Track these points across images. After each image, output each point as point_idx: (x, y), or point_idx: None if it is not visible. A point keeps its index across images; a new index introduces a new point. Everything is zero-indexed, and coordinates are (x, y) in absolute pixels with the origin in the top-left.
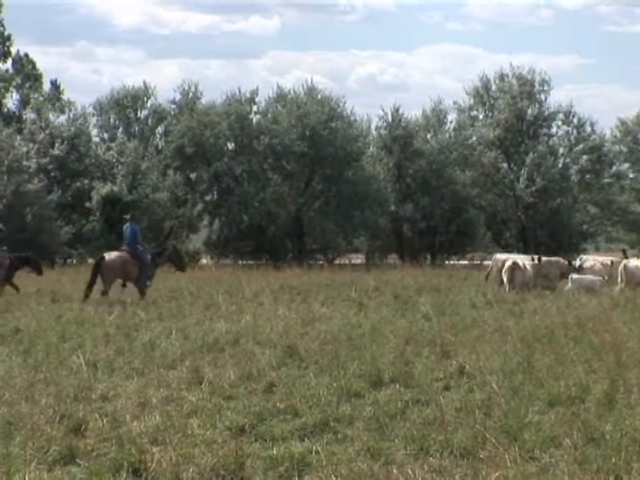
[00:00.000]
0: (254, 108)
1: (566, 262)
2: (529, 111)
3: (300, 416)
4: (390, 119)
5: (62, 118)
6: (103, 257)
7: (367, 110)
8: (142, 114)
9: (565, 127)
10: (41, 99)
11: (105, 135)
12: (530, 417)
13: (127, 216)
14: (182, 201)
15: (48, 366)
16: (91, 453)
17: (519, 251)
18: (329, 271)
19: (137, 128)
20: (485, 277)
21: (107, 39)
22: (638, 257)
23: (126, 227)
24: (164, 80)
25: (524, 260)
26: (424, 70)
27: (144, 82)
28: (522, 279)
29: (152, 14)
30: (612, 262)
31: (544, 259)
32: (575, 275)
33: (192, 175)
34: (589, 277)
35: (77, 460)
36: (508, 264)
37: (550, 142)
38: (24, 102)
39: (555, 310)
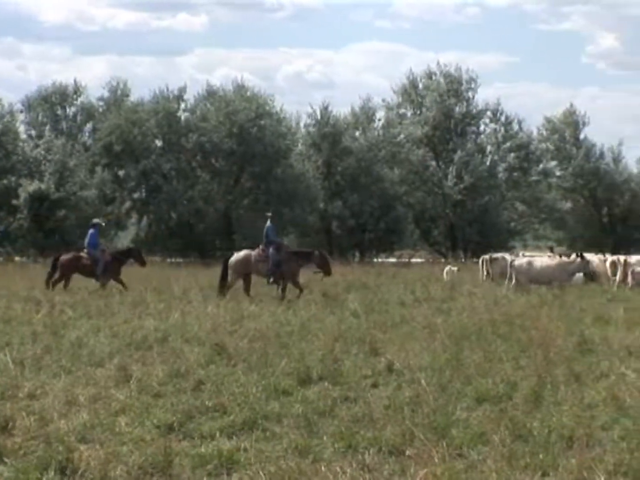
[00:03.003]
0: (182, 105)
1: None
2: (457, 109)
3: (228, 414)
4: (319, 117)
5: None
6: (231, 255)
7: (296, 107)
8: (71, 111)
9: (492, 125)
10: None
11: (33, 133)
12: (458, 414)
13: (269, 214)
14: (110, 199)
15: None
16: (18, 451)
17: (447, 249)
18: None
19: (65, 125)
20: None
21: (34, 35)
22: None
23: (268, 225)
24: (92, 77)
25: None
26: (352, 68)
27: (75, 80)
28: (500, 271)
29: (79, 10)
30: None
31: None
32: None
33: (120, 173)
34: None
35: (4, 458)
36: (485, 257)
37: (478, 140)
38: None
39: (483, 307)
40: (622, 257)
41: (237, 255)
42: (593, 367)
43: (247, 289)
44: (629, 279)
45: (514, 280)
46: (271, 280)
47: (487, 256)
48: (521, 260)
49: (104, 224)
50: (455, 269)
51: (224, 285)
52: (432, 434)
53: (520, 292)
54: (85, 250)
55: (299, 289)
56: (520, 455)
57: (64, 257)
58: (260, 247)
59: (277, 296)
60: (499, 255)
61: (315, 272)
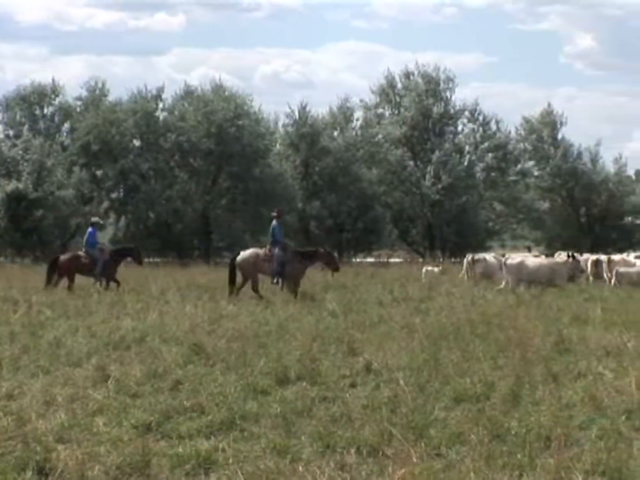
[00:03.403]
0: (160, 105)
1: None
2: (435, 109)
3: (206, 414)
4: (297, 117)
5: None
6: (237, 255)
7: (274, 107)
8: (49, 110)
9: (470, 125)
10: None
11: (11, 132)
12: (436, 414)
13: (274, 213)
14: (88, 198)
15: None
16: None
17: (425, 249)
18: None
19: (43, 125)
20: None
21: (11, 35)
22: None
23: (273, 224)
24: (69, 77)
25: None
26: (329, 67)
27: (53, 79)
28: (481, 271)
29: (57, 10)
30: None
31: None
32: None
33: (98, 173)
34: None
35: None
36: (468, 259)
37: (456, 140)
38: None
39: (461, 307)
40: (604, 257)
41: (244, 254)
42: (571, 366)
43: (239, 288)
44: (613, 278)
45: (505, 280)
46: (275, 280)
47: (469, 257)
48: (514, 260)
49: (102, 222)
50: (436, 269)
51: (233, 286)
52: (410, 433)
53: (514, 291)
54: (83, 250)
55: (296, 290)
56: (498, 454)
57: (63, 257)
58: (267, 246)
59: (287, 296)
60: (480, 256)
61: (323, 269)
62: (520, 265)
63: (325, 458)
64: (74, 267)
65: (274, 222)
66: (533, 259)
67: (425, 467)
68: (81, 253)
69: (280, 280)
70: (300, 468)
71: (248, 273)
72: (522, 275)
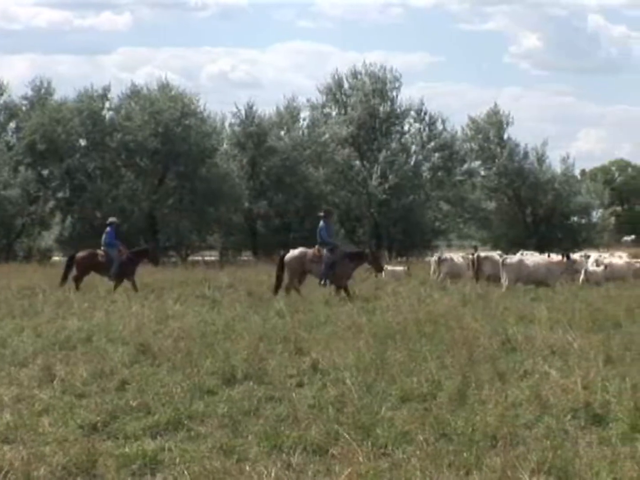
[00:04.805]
0: (107, 104)
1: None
2: (381, 109)
3: (152, 414)
4: (243, 116)
5: None
6: (286, 253)
7: (221, 107)
8: None
9: (417, 125)
10: None
11: None
12: (383, 413)
13: (321, 213)
14: (34, 198)
15: None
16: None
17: (370, 248)
18: (183, 268)
19: None
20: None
21: None
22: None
23: (321, 225)
24: (14, 76)
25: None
26: (276, 67)
27: None
28: (447, 270)
29: (1, 9)
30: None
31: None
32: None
33: (44, 172)
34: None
35: None
36: (434, 258)
37: (403, 140)
38: None
39: (407, 306)
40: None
41: (293, 253)
42: (517, 366)
43: (297, 285)
44: (582, 277)
45: (505, 280)
46: (322, 281)
47: (435, 257)
48: (513, 259)
49: (119, 222)
50: (398, 269)
51: (279, 284)
52: (357, 433)
53: (511, 290)
54: (102, 249)
55: (347, 292)
56: (444, 453)
57: (80, 254)
58: (316, 247)
59: (345, 298)
60: (447, 255)
61: (367, 269)
62: (520, 264)
63: (272, 458)
64: (90, 264)
65: (321, 222)
66: (531, 258)
67: (372, 466)
68: (99, 251)
69: (327, 281)
70: (247, 468)
71: (294, 272)
72: (522, 275)
